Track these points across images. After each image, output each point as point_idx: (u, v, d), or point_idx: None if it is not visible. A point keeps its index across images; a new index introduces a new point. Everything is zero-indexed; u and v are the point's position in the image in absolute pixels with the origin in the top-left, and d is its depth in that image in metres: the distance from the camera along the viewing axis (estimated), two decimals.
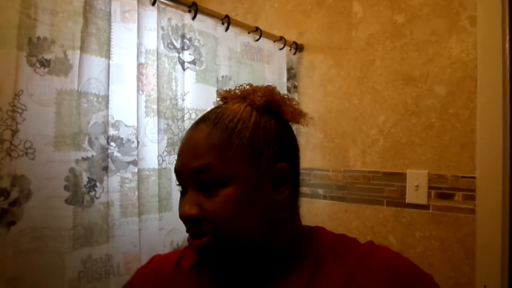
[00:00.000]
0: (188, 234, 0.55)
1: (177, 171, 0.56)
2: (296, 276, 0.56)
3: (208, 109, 0.62)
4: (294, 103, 0.62)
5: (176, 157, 0.58)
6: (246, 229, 0.53)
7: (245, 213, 0.53)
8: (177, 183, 0.57)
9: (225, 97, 0.61)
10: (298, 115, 0.60)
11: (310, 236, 0.61)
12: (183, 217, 0.53)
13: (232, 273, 0.59)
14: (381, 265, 0.56)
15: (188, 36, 1.23)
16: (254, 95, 0.58)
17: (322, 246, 0.59)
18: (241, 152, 0.53)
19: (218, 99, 0.63)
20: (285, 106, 0.60)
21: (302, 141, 1.57)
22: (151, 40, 1.13)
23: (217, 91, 0.64)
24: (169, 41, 1.19)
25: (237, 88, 0.61)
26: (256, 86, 0.61)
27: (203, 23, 1.28)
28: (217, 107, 0.59)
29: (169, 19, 1.19)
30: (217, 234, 0.52)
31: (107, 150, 1.01)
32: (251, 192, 0.54)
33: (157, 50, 1.14)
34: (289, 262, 0.58)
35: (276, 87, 0.63)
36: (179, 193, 0.57)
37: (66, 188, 0.91)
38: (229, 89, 0.61)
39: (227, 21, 1.35)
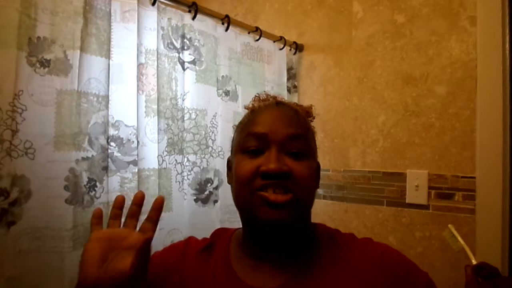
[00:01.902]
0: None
1: (261, 133, 0.61)
2: (303, 261, 0.62)
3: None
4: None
5: (244, 126, 0.65)
6: (312, 198, 0.63)
7: (313, 185, 0.65)
8: (248, 146, 0.62)
9: (274, 97, 0.70)
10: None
11: (313, 226, 0.69)
12: (274, 171, 0.57)
13: (264, 248, 0.63)
14: (377, 254, 0.64)
15: (188, 36, 1.23)
16: (299, 106, 0.70)
17: (322, 236, 0.67)
18: (313, 138, 0.66)
19: (263, 96, 0.71)
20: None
21: None
22: (151, 40, 1.13)
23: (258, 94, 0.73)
24: (169, 41, 1.19)
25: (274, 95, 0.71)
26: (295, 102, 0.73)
27: (203, 23, 1.28)
28: (277, 99, 0.69)
29: (169, 19, 1.19)
30: (297, 194, 0.58)
31: (107, 150, 1.01)
32: (315, 170, 0.66)
33: (157, 50, 1.14)
34: (302, 246, 0.64)
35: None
36: (241, 155, 0.63)
37: (66, 188, 0.91)
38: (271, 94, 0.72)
39: (227, 21, 1.35)
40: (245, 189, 0.60)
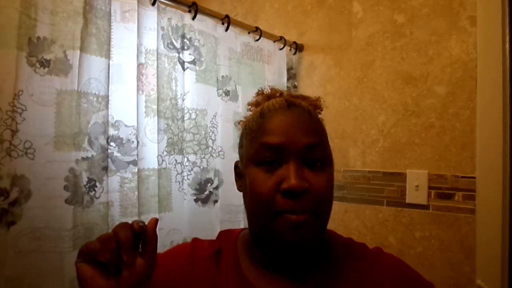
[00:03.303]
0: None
1: (277, 144, 0.55)
2: (320, 271, 0.60)
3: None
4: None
5: (256, 134, 0.59)
6: (330, 210, 0.58)
7: (333, 196, 0.59)
8: (262, 157, 0.56)
9: (280, 93, 0.66)
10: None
11: (326, 236, 0.65)
12: (295, 189, 0.52)
13: (278, 261, 0.60)
14: (391, 267, 0.62)
15: (188, 36, 1.23)
16: (305, 99, 0.64)
17: (337, 246, 0.64)
18: (327, 140, 0.61)
19: (266, 91, 0.66)
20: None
21: None
22: (151, 40, 1.13)
23: (262, 88, 0.67)
24: (169, 41, 1.19)
25: (281, 90, 0.66)
26: (302, 94, 0.67)
27: (203, 23, 1.28)
28: (287, 98, 0.62)
29: (169, 19, 1.19)
30: (315, 211, 0.54)
31: (107, 150, 1.01)
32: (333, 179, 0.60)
33: (157, 50, 1.14)
34: (317, 255, 0.61)
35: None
36: (256, 168, 0.57)
37: (66, 188, 0.91)
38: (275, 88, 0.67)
39: (227, 21, 1.35)
40: (265, 210, 0.55)
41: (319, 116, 0.64)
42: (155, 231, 0.51)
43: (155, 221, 0.52)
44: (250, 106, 0.67)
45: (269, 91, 0.66)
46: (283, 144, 0.55)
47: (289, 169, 0.54)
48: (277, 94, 0.65)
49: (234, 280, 0.60)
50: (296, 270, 0.60)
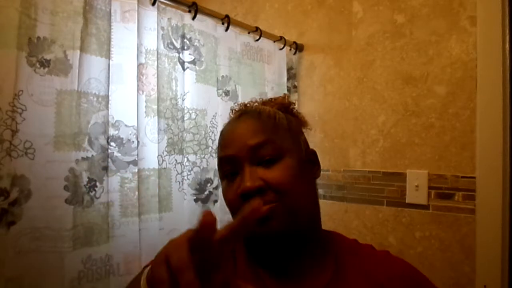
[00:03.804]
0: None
1: (228, 156, 0.60)
2: (321, 269, 0.60)
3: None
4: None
5: (218, 151, 0.63)
6: (304, 196, 0.59)
7: (301, 181, 0.59)
8: (224, 172, 0.61)
9: (244, 105, 0.68)
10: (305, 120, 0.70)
11: (329, 234, 0.67)
12: (248, 190, 0.55)
13: (267, 259, 0.61)
14: (398, 269, 0.62)
15: (188, 36, 1.23)
16: (272, 101, 0.68)
17: (340, 244, 0.65)
18: (286, 132, 0.62)
19: (236, 108, 0.69)
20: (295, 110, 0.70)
21: None
22: (151, 40, 1.13)
23: (234, 104, 0.71)
24: (169, 41, 1.19)
25: (251, 102, 0.69)
26: (270, 98, 0.70)
27: (203, 23, 1.28)
28: (245, 107, 0.67)
29: (169, 19, 1.19)
30: (284, 201, 0.56)
31: (107, 150, 1.01)
32: (301, 164, 0.61)
33: (157, 50, 1.14)
34: (317, 254, 0.61)
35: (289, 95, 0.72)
36: (224, 182, 0.61)
37: (66, 188, 0.91)
38: (243, 102, 0.70)
39: (227, 21, 1.35)
40: (235, 215, 0.58)
41: (296, 111, 0.68)
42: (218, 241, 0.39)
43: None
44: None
45: (237, 107, 0.69)
46: (233, 154, 0.59)
47: (243, 174, 0.57)
48: (243, 107, 0.68)
49: (252, 282, 0.59)
50: (295, 268, 0.59)
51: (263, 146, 0.58)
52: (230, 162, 0.60)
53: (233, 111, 0.69)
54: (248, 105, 0.68)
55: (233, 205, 0.58)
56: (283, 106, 0.67)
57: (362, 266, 0.61)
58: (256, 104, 0.68)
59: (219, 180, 1.29)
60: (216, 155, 0.67)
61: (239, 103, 0.70)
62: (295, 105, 0.70)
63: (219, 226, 0.39)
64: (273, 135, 0.60)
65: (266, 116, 0.62)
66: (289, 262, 0.60)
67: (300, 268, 0.60)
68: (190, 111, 1.24)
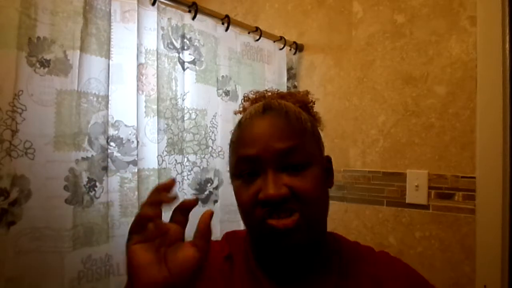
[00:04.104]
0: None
1: (250, 156, 0.54)
2: (327, 272, 0.59)
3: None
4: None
5: (235, 146, 0.58)
6: (323, 208, 0.57)
7: (324, 193, 0.57)
8: (240, 170, 0.56)
9: (263, 96, 0.65)
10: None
11: (332, 237, 0.65)
12: (272, 198, 0.51)
13: (277, 266, 0.59)
14: (401, 271, 0.61)
15: (188, 36, 1.23)
16: (292, 96, 0.63)
17: (344, 248, 0.64)
18: (312, 137, 0.58)
19: (252, 95, 0.65)
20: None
21: None
22: (151, 40, 1.13)
23: (249, 92, 0.66)
24: (169, 41, 1.19)
25: (268, 90, 0.66)
26: (289, 91, 0.66)
27: (203, 23, 1.28)
28: (265, 101, 0.61)
29: (169, 19, 1.19)
30: (304, 212, 0.53)
31: (107, 150, 1.01)
32: (323, 172, 0.58)
33: (157, 50, 1.14)
34: (323, 257, 0.60)
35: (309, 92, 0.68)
36: (238, 181, 0.57)
37: (66, 188, 0.91)
38: (261, 92, 0.66)
39: (227, 21, 1.35)
40: (250, 219, 0.56)
41: (314, 110, 0.65)
42: (208, 224, 0.49)
43: (210, 214, 0.49)
44: (237, 113, 0.67)
45: (254, 96, 0.65)
46: (257, 155, 0.54)
47: (266, 178, 0.53)
48: (262, 97, 0.64)
49: (249, 285, 0.59)
50: (300, 273, 0.59)
51: (293, 152, 0.54)
52: (251, 162, 0.55)
53: (247, 98, 0.65)
54: (267, 96, 0.64)
55: (247, 208, 0.55)
56: (304, 104, 0.63)
57: (367, 271, 0.60)
58: (275, 96, 0.64)
59: (220, 180, 1.30)
60: (229, 150, 0.61)
61: (255, 91, 0.65)
62: (314, 104, 0.65)
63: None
64: (302, 140, 0.55)
65: (294, 117, 0.57)
66: (298, 269, 0.59)
67: (304, 274, 0.59)
68: (190, 111, 1.24)
